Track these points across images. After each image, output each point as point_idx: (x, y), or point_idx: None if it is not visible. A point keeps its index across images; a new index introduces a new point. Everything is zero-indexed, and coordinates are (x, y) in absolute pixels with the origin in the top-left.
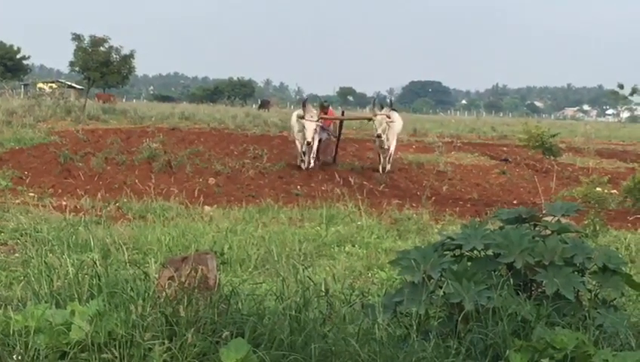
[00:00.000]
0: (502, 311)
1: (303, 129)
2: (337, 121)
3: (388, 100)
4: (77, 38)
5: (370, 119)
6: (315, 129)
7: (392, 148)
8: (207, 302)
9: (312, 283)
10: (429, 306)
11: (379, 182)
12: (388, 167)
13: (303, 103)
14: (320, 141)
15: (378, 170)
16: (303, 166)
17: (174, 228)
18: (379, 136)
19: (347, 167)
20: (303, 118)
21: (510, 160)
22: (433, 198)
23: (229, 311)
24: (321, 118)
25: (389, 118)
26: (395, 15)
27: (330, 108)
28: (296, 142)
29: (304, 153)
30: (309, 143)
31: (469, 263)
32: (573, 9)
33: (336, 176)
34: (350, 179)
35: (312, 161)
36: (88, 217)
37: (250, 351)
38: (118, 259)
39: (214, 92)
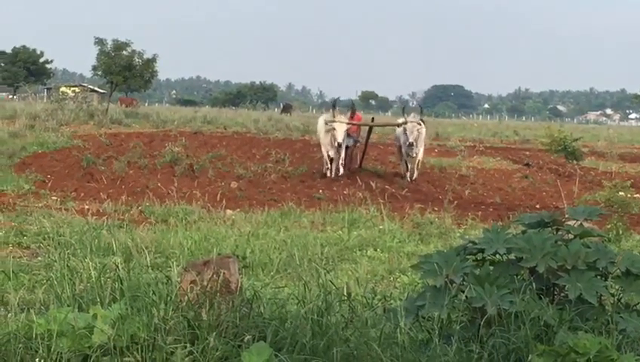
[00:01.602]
0: (524, 315)
1: (331, 132)
2: (367, 127)
3: (412, 105)
4: (100, 42)
5: (400, 125)
6: (346, 131)
7: (420, 156)
8: (229, 306)
9: (334, 287)
10: (451, 310)
11: (401, 186)
12: (415, 175)
13: (333, 105)
14: (347, 148)
15: (402, 176)
16: (330, 174)
17: (196, 231)
18: (411, 145)
19: (369, 171)
20: (332, 121)
21: (532, 164)
22: (455, 202)
23: (250, 315)
24: (351, 123)
25: (420, 124)
26: (418, 19)
27: (357, 113)
28: (322, 148)
29: (331, 159)
30: (339, 144)
31: (492, 267)
32: (596, 12)
33: (359, 180)
34: (372, 183)
35: (340, 168)
36: (111, 221)
37: (272, 355)
38: (140, 263)
39: (237, 96)
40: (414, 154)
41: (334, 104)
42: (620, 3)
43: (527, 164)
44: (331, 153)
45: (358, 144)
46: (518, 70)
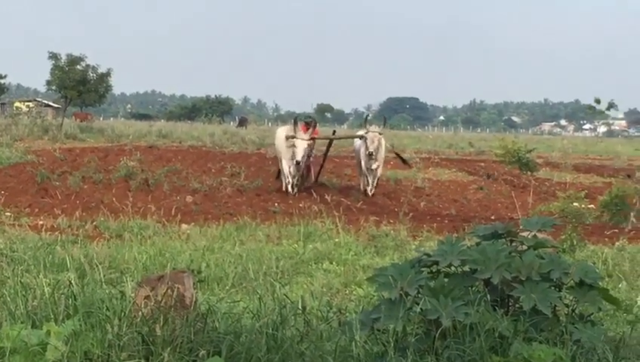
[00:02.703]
0: (479, 327)
1: (292, 147)
2: (323, 141)
3: (367, 116)
4: (54, 56)
5: (362, 137)
6: (306, 148)
7: (380, 170)
8: (184, 321)
9: (289, 301)
10: (406, 323)
11: (356, 198)
12: (374, 189)
13: (295, 122)
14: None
15: (359, 190)
16: (290, 190)
17: (151, 246)
18: (371, 155)
19: (325, 184)
20: (293, 137)
21: (492, 176)
22: (411, 214)
23: (205, 330)
24: (313, 138)
25: (381, 134)
26: (373, 32)
27: (317, 127)
28: (284, 163)
29: (292, 175)
30: (298, 163)
31: (446, 279)
32: (549, 25)
33: (314, 193)
34: (327, 196)
35: (294, 188)
36: (65, 236)
37: None
38: (94, 279)
39: (192, 110)
40: (374, 166)
41: (296, 120)
42: (573, 16)
43: (488, 176)
44: (292, 169)
45: (312, 159)
46: (473, 82)
